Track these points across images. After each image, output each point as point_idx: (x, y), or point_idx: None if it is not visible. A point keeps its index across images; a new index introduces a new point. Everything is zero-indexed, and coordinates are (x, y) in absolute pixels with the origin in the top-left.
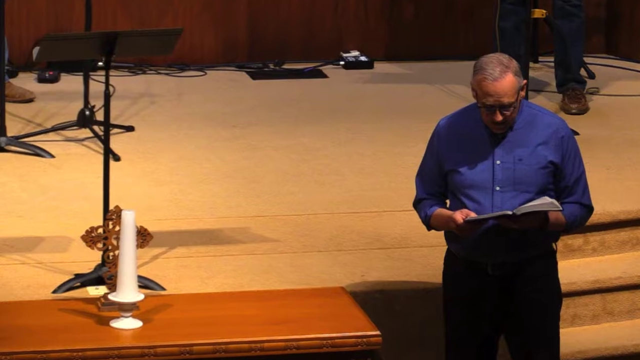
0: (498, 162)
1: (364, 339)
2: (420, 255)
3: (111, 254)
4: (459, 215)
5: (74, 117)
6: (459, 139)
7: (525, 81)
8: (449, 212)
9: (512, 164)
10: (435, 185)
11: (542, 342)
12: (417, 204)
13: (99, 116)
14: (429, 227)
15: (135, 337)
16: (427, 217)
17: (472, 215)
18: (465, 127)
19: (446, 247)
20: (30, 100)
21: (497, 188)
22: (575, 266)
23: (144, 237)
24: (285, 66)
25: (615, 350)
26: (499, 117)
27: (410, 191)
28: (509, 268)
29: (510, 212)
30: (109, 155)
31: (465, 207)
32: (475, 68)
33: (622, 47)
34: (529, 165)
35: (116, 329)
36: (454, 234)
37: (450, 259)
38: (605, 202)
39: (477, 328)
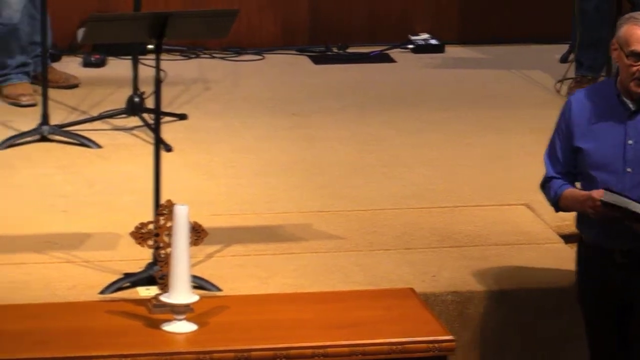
0: (630, 142)
1: (436, 344)
2: (496, 254)
3: (163, 252)
4: (597, 195)
5: (122, 105)
6: (590, 115)
7: None
8: (584, 192)
9: None
10: (565, 165)
11: None
12: (546, 183)
13: (149, 103)
14: (558, 208)
15: (189, 341)
16: (556, 196)
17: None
18: (597, 102)
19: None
20: (75, 86)
21: (628, 170)
22: None
23: (198, 233)
24: (350, 50)
25: None
26: None
27: (482, 185)
28: (636, 257)
29: None
30: (160, 145)
31: (596, 189)
32: (623, 20)
33: None
34: None
35: (169, 332)
36: (586, 218)
37: (582, 250)
38: None
39: (613, 324)
